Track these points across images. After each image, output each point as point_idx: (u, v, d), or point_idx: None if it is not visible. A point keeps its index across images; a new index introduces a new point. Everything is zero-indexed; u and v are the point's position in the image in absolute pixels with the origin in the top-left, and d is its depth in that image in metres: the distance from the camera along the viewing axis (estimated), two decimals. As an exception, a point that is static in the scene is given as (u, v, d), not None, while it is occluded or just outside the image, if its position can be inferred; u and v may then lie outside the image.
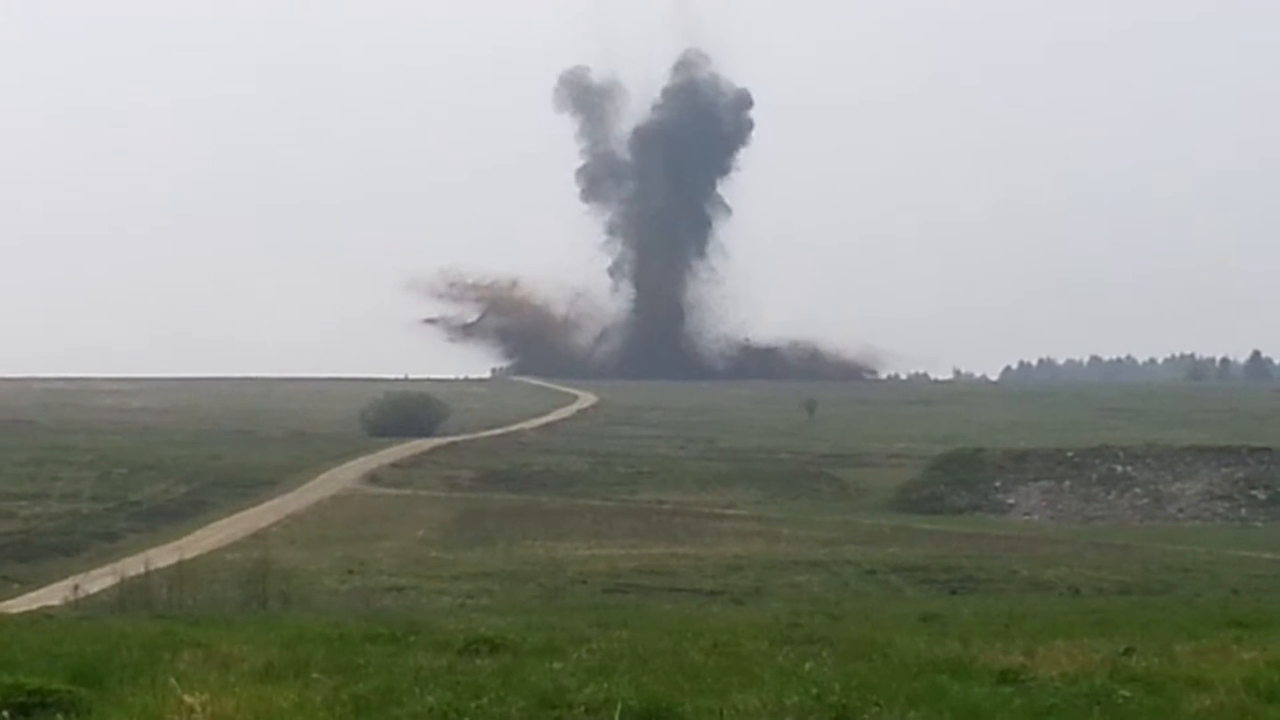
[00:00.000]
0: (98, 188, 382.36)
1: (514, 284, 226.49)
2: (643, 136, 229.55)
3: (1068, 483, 78.89)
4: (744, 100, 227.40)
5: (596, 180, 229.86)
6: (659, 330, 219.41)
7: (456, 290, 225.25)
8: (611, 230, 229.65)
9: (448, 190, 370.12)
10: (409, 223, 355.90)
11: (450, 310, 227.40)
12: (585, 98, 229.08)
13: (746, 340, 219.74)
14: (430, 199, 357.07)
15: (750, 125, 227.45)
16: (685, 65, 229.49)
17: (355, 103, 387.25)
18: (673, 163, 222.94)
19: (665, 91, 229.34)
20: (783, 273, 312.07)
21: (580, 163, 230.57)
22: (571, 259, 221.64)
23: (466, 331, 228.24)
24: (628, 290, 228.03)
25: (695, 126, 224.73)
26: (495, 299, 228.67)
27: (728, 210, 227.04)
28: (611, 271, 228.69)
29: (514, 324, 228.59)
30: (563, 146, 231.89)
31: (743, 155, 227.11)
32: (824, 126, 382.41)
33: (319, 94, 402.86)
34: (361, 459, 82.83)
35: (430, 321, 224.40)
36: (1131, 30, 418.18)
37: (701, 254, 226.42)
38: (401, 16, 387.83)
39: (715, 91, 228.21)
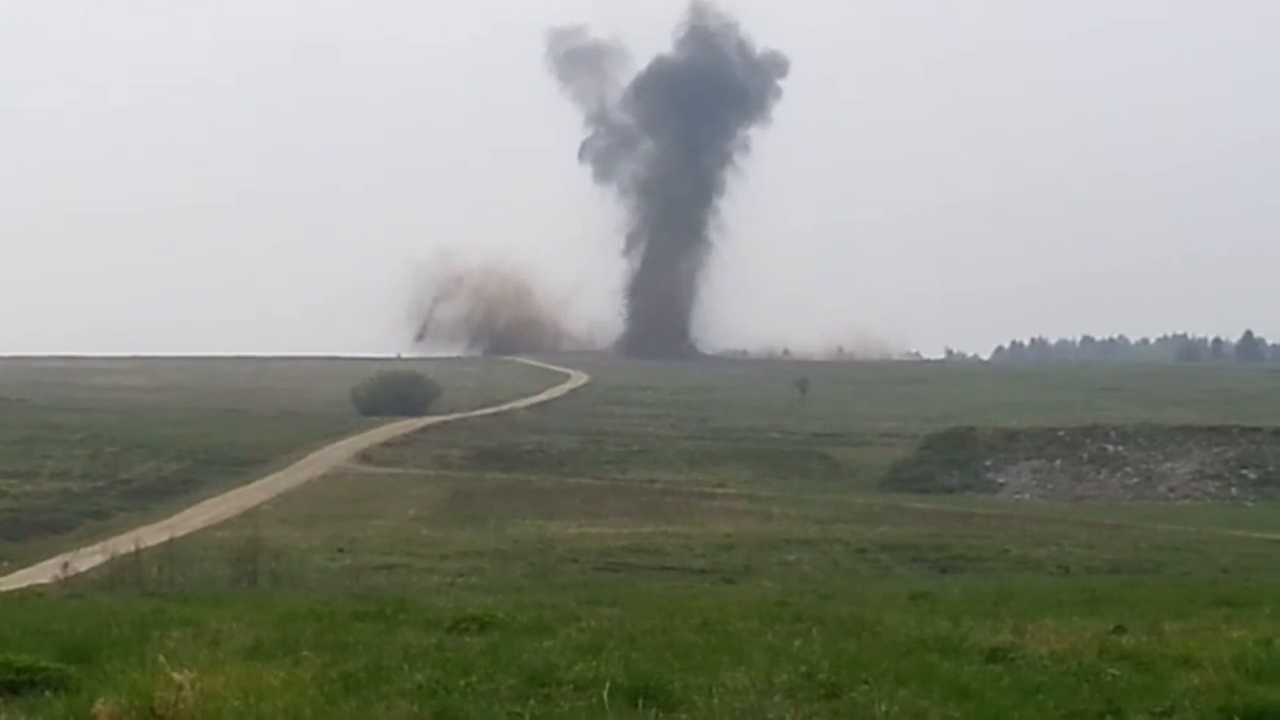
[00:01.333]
0: (90, 171, 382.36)
1: (497, 273, 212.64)
2: (648, 86, 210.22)
3: (1059, 462, 78.99)
4: (775, 64, 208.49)
5: (603, 157, 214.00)
6: (660, 325, 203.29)
7: (437, 282, 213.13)
8: (621, 198, 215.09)
9: (449, 174, 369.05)
10: (407, 208, 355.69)
11: (430, 300, 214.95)
12: (583, 58, 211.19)
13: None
14: (430, 183, 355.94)
15: (778, 94, 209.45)
16: (698, 10, 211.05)
17: (356, 73, 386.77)
18: (684, 117, 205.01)
19: (676, 41, 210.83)
20: (774, 254, 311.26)
21: (584, 136, 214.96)
22: (567, 242, 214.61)
23: (429, 328, 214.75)
24: (634, 273, 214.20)
25: (709, 78, 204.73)
26: (477, 288, 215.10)
27: (740, 182, 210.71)
28: (625, 250, 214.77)
29: (488, 314, 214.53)
30: (570, 126, 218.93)
31: (756, 132, 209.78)
32: (815, 107, 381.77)
33: (317, 78, 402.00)
34: (353, 438, 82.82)
35: (416, 332, 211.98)
36: (1128, 21, 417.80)
37: (706, 240, 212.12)
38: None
39: (731, 45, 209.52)
